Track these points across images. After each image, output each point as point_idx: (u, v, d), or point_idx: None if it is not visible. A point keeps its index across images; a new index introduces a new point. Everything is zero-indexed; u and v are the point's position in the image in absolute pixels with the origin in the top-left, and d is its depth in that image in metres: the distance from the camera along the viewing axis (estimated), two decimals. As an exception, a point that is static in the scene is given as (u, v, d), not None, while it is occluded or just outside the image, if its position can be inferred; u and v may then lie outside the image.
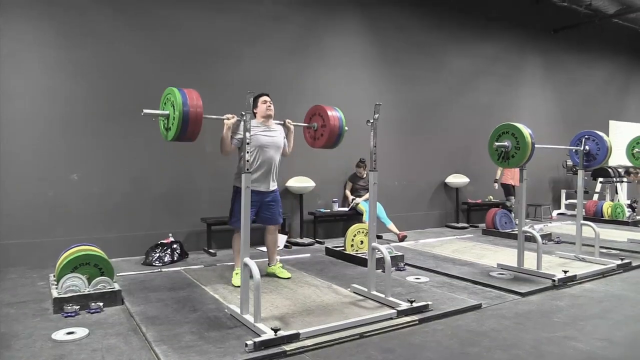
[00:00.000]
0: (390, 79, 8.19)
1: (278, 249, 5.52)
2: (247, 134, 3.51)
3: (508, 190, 8.65)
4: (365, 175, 7.47)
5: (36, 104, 5.46)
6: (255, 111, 4.53)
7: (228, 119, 3.97)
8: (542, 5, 10.11)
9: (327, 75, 7.50)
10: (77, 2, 5.61)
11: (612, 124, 12.00)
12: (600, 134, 5.57)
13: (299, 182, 6.92)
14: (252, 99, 3.49)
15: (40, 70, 5.50)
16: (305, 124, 4.49)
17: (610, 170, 9.85)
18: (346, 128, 4.28)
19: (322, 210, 7.32)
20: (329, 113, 4.23)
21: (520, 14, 9.94)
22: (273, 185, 4.66)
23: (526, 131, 4.69)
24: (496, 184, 8.58)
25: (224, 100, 6.38)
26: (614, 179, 10.03)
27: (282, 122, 4.50)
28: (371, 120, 3.97)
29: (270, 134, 4.55)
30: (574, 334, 3.36)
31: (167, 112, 3.46)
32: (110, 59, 5.82)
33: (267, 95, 4.60)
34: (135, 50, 5.98)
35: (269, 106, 4.55)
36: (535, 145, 4.72)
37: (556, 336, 3.31)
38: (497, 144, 4.84)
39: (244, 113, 3.49)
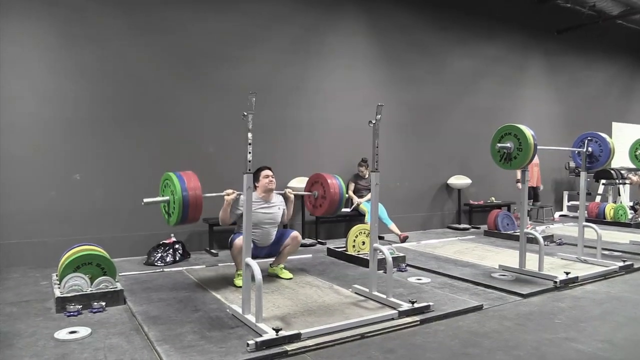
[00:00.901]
0: (393, 79, 8.19)
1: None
2: (249, 135, 3.51)
3: (527, 193, 8.29)
4: (367, 176, 7.48)
5: (39, 105, 5.49)
6: (256, 185, 4.56)
7: (228, 194, 4.01)
8: (546, 6, 10.10)
9: (330, 76, 7.50)
10: (79, 5, 5.63)
11: (615, 125, 11.97)
12: (603, 135, 5.57)
13: (301, 183, 6.90)
14: (253, 99, 3.48)
15: (43, 72, 5.52)
16: (306, 192, 4.54)
17: (612, 172, 9.83)
18: (347, 195, 4.36)
19: (324, 210, 7.32)
20: (329, 181, 4.30)
21: (524, 15, 9.93)
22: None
23: (528, 132, 4.69)
24: (519, 184, 8.16)
25: (227, 102, 6.42)
26: (617, 181, 10.00)
27: (282, 193, 4.56)
28: (373, 121, 3.97)
29: (269, 210, 4.60)
30: (575, 335, 3.36)
31: (167, 198, 3.49)
32: (113, 61, 5.84)
33: (270, 169, 4.62)
34: (137, 52, 6.00)
35: (271, 180, 4.57)
36: (538, 147, 4.72)
37: (557, 337, 3.31)
38: (499, 145, 4.84)
39: (245, 113, 3.49)
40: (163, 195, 3.57)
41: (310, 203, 4.63)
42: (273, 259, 4.93)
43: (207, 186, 6.32)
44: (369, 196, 7.21)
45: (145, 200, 3.49)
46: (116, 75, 5.87)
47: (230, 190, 4.04)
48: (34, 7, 5.41)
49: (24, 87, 5.40)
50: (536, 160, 7.89)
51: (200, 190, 3.42)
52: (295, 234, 4.81)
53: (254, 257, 3.64)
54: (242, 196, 3.98)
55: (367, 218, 7.12)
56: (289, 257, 5.73)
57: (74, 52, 5.64)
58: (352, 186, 7.55)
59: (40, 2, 5.44)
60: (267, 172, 4.60)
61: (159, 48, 6.12)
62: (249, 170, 3.50)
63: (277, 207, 4.69)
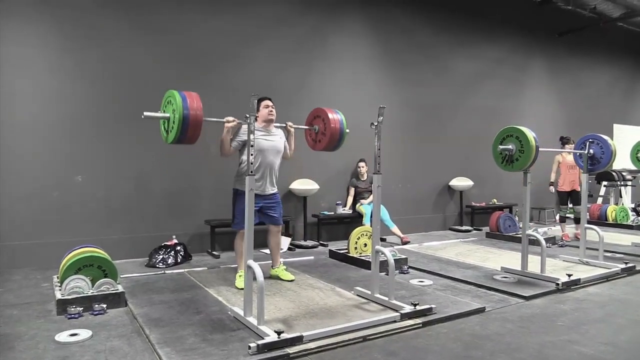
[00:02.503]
0: (395, 81, 8.19)
1: (281, 251, 5.54)
2: (252, 136, 3.51)
3: (563, 198, 7.58)
4: (366, 177, 7.47)
5: (41, 106, 5.49)
6: (256, 115, 4.54)
7: (228, 121, 3.98)
8: (547, 8, 10.10)
9: (332, 78, 7.51)
10: (81, 5, 5.64)
11: (617, 127, 11.96)
12: (605, 137, 5.56)
13: (303, 185, 6.92)
14: (256, 100, 3.49)
15: (45, 72, 5.52)
16: (306, 127, 4.49)
17: (614, 173, 9.82)
18: (347, 130, 4.28)
19: (325, 212, 7.32)
20: (330, 116, 4.21)
21: (525, 17, 9.93)
22: (272, 189, 4.69)
23: (530, 134, 4.68)
24: (552, 187, 7.60)
25: (228, 103, 6.42)
26: (618, 183, 9.99)
27: (284, 125, 4.52)
28: (375, 123, 3.97)
29: (270, 138, 4.58)
30: (577, 337, 3.35)
31: (167, 114, 3.46)
32: (115, 61, 5.85)
33: (270, 99, 4.61)
34: (139, 53, 6.00)
35: (271, 111, 4.56)
36: (540, 149, 4.71)
37: (560, 340, 3.30)
38: (501, 147, 4.84)
39: (248, 115, 3.49)
40: (164, 112, 3.53)
41: (311, 137, 4.53)
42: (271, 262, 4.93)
43: (209, 185, 6.39)
44: (371, 198, 7.22)
45: (146, 113, 3.44)
46: (118, 76, 5.87)
47: (231, 118, 3.98)
48: (35, 8, 5.41)
49: (25, 87, 5.40)
50: (573, 162, 7.10)
51: (201, 112, 3.38)
52: (280, 228, 4.86)
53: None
54: (244, 126, 3.95)
55: (365, 219, 7.13)
56: (291, 260, 5.75)
57: (76, 52, 5.64)
58: (352, 190, 7.52)
59: (42, 2, 5.45)
60: (267, 102, 4.58)
61: (161, 48, 6.13)
62: (251, 172, 3.49)
63: (279, 137, 4.67)
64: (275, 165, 4.66)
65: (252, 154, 3.52)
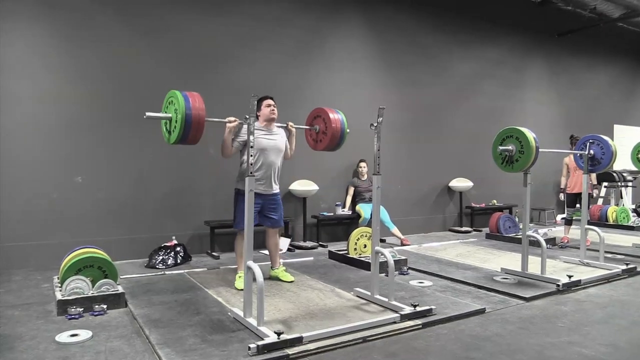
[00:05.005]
0: (394, 82, 8.19)
1: (281, 252, 5.54)
2: (251, 137, 3.51)
3: (571, 200, 7.30)
4: (366, 177, 7.47)
5: (41, 107, 5.49)
6: (258, 114, 4.53)
7: (230, 121, 3.98)
8: (546, 8, 10.09)
9: (331, 79, 7.51)
10: (81, 5, 5.64)
11: (617, 128, 11.96)
12: (605, 138, 5.56)
13: (303, 186, 6.92)
14: (256, 101, 3.49)
15: (45, 73, 5.52)
16: (307, 127, 4.48)
17: (614, 174, 9.81)
18: (348, 130, 4.27)
19: (325, 213, 7.32)
20: (331, 116, 4.20)
21: (525, 17, 9.93)
22: (275, 188, 4.68)
23: (530, 135, 4.68)
24: (562, 195, 7.47)
25: (228, 104, 6.41)
26: (619, 184, 9.98)
27: (285, 125, 4.51)
28: (375, 124, 3.96)
29: (271, 137, 4.57)
30: (578, 339, 3.34)
31: (169, 115, 3.45)
32: (115, 62, 5.84)
33: (272, 98, 4.60)
34: (139, 54, 6.00)
35: (273, 110, 4.54)
36: (540, 150, 4.71)
37: (560, 341, 3.30)
38: (501, 148, 4.83)
39: (247, 116, 3.49)
40: (166, 113, 3.51)
41: (311, 137, 4.53)
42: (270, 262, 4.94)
43: (209, 186, 6.39)
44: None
45: (148, 113, 3.43)
46: (118, 76, 5.87)
47: (232, 118, 3.98)
48: (35, 8, 5.42)
49: (25, 88, 5.40)
50: None
51: (204, 112, 3.38)
52: (279, 230, 4.88)
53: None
54: (245, 125, 3.93)
55: (362, 220, 7.14)
56: (290, 260, 5.75)
57: (76, 52, 5.64)
58: (351, 190, 7.52)
59: (42, 3, 5.45)
60: (269, 101, 4.56)
61: (160, 49, 6.13)
62: (251, 173, 3.49)
63: (281, 137, 4.66)
64: (278, 164, 4.64)
65: (252, 155, 3.52)
